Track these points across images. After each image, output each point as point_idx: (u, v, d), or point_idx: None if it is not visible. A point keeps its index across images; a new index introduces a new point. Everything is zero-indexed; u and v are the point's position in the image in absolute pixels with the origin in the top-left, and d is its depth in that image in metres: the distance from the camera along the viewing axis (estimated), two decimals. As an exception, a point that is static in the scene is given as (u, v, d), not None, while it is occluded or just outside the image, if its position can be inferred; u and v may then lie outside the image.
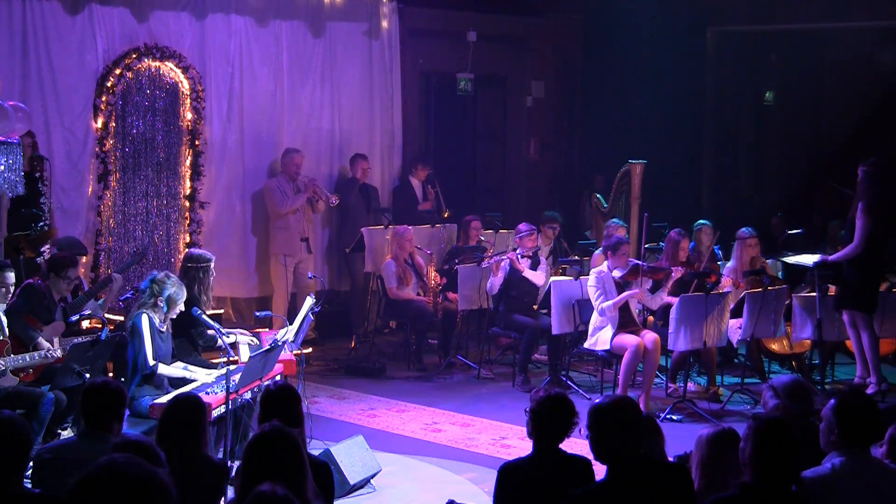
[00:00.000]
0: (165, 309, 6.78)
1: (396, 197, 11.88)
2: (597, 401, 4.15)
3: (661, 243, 9.70)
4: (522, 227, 9.84)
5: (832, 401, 4.30)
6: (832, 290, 9.13)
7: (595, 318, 8.78)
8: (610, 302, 8.57)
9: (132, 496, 2.51)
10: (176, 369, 6.85)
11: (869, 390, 8.41)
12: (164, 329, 6.83)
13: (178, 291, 6.82)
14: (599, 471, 4.55)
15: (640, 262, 8.76)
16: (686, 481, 4.07)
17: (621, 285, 8.69)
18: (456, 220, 11.31)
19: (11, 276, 7.04)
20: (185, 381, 6.73)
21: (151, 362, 6.62)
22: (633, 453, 3.97)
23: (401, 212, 11.47)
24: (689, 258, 9.26)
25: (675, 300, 8.65)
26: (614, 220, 10.52)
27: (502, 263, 9.54)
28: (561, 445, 4.50)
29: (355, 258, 10.94)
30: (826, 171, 13.14)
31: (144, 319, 6.65)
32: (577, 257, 10.39)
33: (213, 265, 7.65)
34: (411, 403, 8.89)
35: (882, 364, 9.11)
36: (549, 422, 4.44)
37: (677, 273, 8.87)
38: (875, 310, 8.70)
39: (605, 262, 8.83)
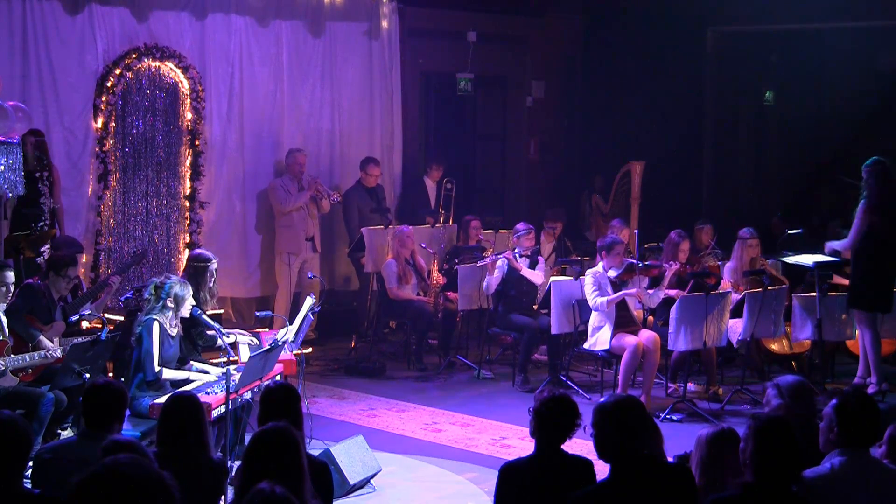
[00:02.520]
0: (174, 307, 6.77)
1: (406, 196, 11.87)
2: (602, 400, 4.16)
3: (660, 244, 9.71)
4: (520, 226, 9.86)
5: (834, 400, 4.30)
6: (836, 278, 9.14)
7: (594, 318, 8.78)
8: (604, 298, 8.58)
9: (135, 497, 2.51)
10: (181, 373, 6.84)
11: (869, 390, 8.41)
12: (174, 333, 6.83)
13: (182, 289, 6.82)
14: (601, 472, 4.55)
15: (634, 261, 8.77)
16: (689, 482, 4.06)
17: (617, 285, 8.71)
18: (456, 220, 11.32)
19: (11, 276, 7.04)
20: (187, 382, 6.73)
21: (157, 369, 6.62)
22: (637, 453, 3.97)
23: (408, 211, 11.47)
24: (690, 259, 9.27)
25: (674, 292, 8.68)
26: (618, 220, 10.54)
27: (498, 262, 9.54)
28: (563, 446, 4.51)
29: (359, 258, 10.94)
30: (826, 171, 13.15)
31: (155, 327, 6.64)
32: (577, 257, 10.41)
33: (214, 266, 7.64)
34: (411, 403, 8.89)
35: (882, 364, 9.11)
36: (551, 422, 4.45)
37: (671, 269, 8.87)
38: (886, 309, 8.69)
39: (601, 263, 8.84)
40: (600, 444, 4.04)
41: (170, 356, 6.78)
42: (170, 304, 6.75)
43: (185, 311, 6.85)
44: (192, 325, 7.26)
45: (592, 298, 8.65)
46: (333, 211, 11.21)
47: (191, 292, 6.91)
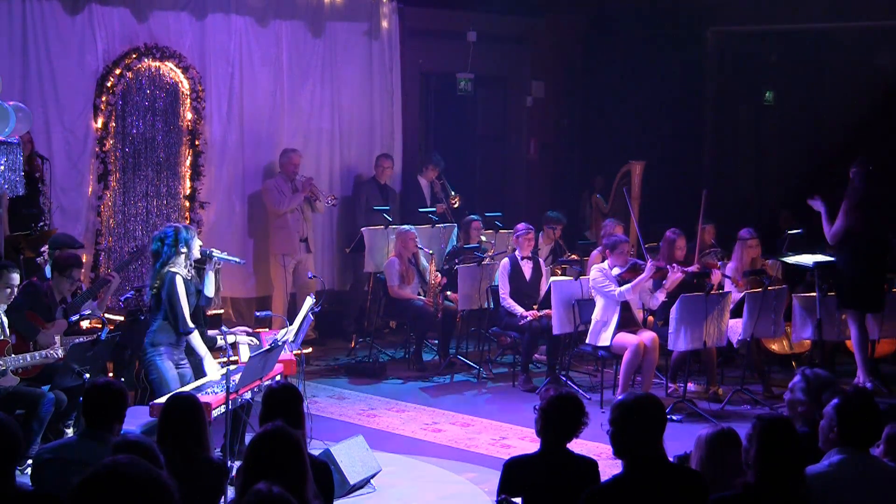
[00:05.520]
0: (185, 251, 6.94)
1: (403, 196, 11.89)
2: (621, 397, 4.15)
3: (660, 243, 9.71)
4: (520, 226, 9.88)
5: (835, 399, 4.30)
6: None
7: (597, 315, 8.82)
8: (628, 285, 8.61)
9: (135, 497, 2.52)
10: (201, 348, 6.95)
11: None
12: (190, 277, 6.99)
13: (188, 232, 7.00)
14: (605, 472, 4.56)
15: (638, 261, 8.79)
16: (700, 486, 4.03)
17: (621, 283, 8.72)
18: (456, 220, 11.32)
19: (16, 278, 7.05)
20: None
21: (191, 325, 6.83)
22: (651, 452, 3.96)
23: (408, 211, 11.48)
24: (688, 258, 9.27)
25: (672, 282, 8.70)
26: (610, 220, 10.54)
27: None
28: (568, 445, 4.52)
29: (360, 258, 10.94)
30: (826, 171, 13.14)
31: (178, 281, 6.81)
32: (576, 257, 10.42)
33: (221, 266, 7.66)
34: (411, 403, 8.90)
35: (882, 364, 9.11)
36: (558, 421, 4.45)
37: (674, 272, 8.88)
38: (876, 309, 8.70)
39: (606, 261, 8.87)
40: (616, 441, 4.02)
41: (192, 306, 6.96)
42: (182, 249, 6.92)
43: (196, 253, 7.02)
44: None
45: (609, 290, 8.64)
46: (331, 211, 11.21)
47: (195, 233, 7.11)
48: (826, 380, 4.91)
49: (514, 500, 4.06)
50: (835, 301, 8.92)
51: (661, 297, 8.91)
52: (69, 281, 7.58)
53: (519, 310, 9.51)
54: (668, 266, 8.93)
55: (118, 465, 2.56)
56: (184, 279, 6.86)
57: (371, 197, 11.16)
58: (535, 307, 9.69)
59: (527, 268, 9.78)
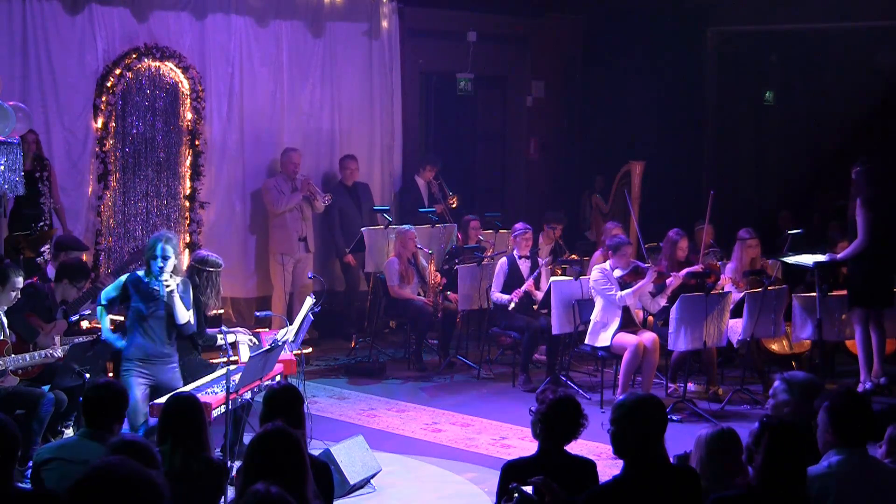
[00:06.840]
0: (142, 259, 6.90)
1: (402, 197, 11.89)
2: (622, 397, 4.15)
3: (660, 244, 9.71)
4: (518, 226, 9.90)
5: (825, 402, 4.32)
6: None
7: (596, 316, 8.81)
8: (629, 290, 8.60)
9: (125, 497, 2.53)
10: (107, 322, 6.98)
11: (859, 388, 8.41)
12: (167, 288, 6.68)
13: (151, 241, 6.85)
14: (605, 472, 4.56)
15: (641, 264, 8.79)
16: (695, 485, 4.03)
17: (622, 285, 8.72)
18: (456, 220, 11.32)
19: (20, 280, 7.05)
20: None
21: (103, 302, 6.87)
22: (652, 452, 3.96)
23: (406, 211, 11.48)
24: (689, 258, 9.27)
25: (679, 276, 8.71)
26: (611, 222, 10.54)
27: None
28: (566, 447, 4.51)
29: (355, 258, 10.92)
30: (826, 170, 13.15)
31: (124, 277, 6.88)
32: (576, 257, 10.41)
33: (221, 269, 7.63)
34: (411, 403, 8.90)
35: (882, 364, 9.09)
36: (557, 423, 4.44)
37: (675, 280, 8.87)
38: (885, 305, 8.70)
39: (608, 262, 8.87)
40: (617, 441, 4.01)
41: (152, 307, 6.74)
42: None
43: (166, 264, 6.74)
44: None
45: (609, 293, 8.63)
46: (329, 212, 11.21)
47: (157, 242, 6.82)
48: (805, 379, 4.92)
49: (525, 488, 4.05)
50: (835, 301, 8.93)
51: (662, 302, 8.93)
52: (76, 290, 7.60)
53: (505, 297, 9.52)
54: (669, 273, 8.94)
55: (108, 466, 2.58)
56: (139, 280, 6.76)
57: (342, 201, 11.08)
58: (534, 307, 9.71)
59: (524, 267, 9.78)
